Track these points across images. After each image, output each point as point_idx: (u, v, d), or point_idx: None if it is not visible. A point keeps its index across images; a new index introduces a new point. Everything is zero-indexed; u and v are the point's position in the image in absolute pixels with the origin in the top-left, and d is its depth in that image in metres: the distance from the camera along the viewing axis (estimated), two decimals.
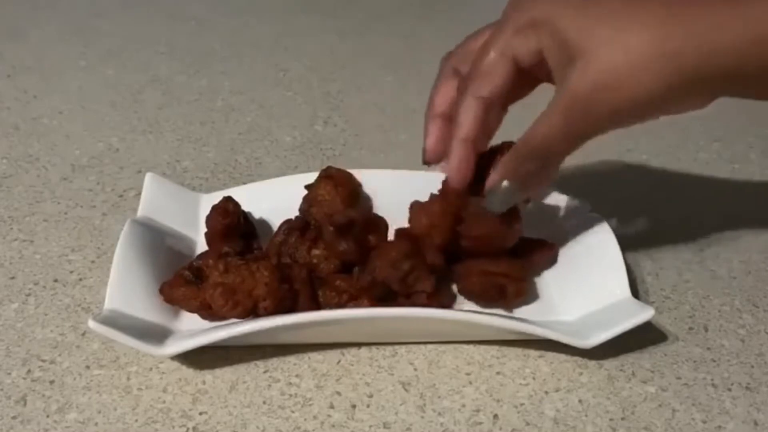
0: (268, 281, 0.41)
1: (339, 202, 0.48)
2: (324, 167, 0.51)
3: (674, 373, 0.42)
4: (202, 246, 0.48)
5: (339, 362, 0.42)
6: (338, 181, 0.49)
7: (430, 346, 0.43)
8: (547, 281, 0.47)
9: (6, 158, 0.61)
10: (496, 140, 0.44)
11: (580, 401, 0.40)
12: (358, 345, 0.43)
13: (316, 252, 0.45)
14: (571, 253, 0.47)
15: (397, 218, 0.48)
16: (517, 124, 0.42)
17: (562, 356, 0.42)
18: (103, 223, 0.53)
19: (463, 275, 0.45)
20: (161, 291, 0.42)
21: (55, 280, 0.47)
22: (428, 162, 0.44)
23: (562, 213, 0.50)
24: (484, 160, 0.43)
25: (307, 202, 0.49)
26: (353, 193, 0.50)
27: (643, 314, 0.40)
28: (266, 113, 0.71)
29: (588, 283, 0.44)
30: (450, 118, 0.42)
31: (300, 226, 0.47)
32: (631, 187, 0.61)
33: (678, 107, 0.38)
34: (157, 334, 0.40)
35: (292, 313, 0.40)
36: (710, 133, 0.70)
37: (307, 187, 0.49)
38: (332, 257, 0.45)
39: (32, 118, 0.68)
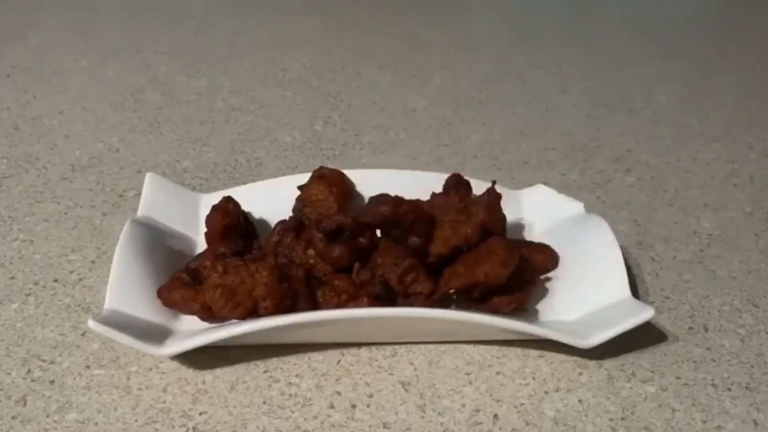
0: (267, 281, 0.41)
1: (332, 201, 0.48)
2: None
3: (674, 373, 0.42)
4: (202, 246, 0.48)
5: (339, 362, 0.42)
6: (331, 180, 0.49)
7: (430, 346, 0.43)
8: (547, 281, 0.47)
9: (6, 158, 0.61)
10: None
11: (580, 401, 0.40)
12: (358, 345, 0.43)
13: (312, 252, 0.45)
14: (571, 253, 0.47)
15: None
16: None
17: (562, 356, 0.42)
18: (103, 223, 0.53)
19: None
20: (159, 294, 0.42)
21: (55, 280, 0.47)
22: None
23: (562, 213, 0.50)
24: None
25: (301, 203, 0.49)
26: (346, 192, 0.50)
27: (643, 314, 0.40)
28: (266, 113, 0.71)
29: (588, 283, 0.44)
30: None
31: (294, 227, 0.47)
32: (631, 187, 0.61)
33: None
34: (157, 334, 0.40)
35: (292, 313, 0.40)
36: (710, 133, 0.70)
37: (300, 187, 0.49)
38: (326, 262, 0.45)
39: (32, 118, 0.68)
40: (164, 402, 0.39)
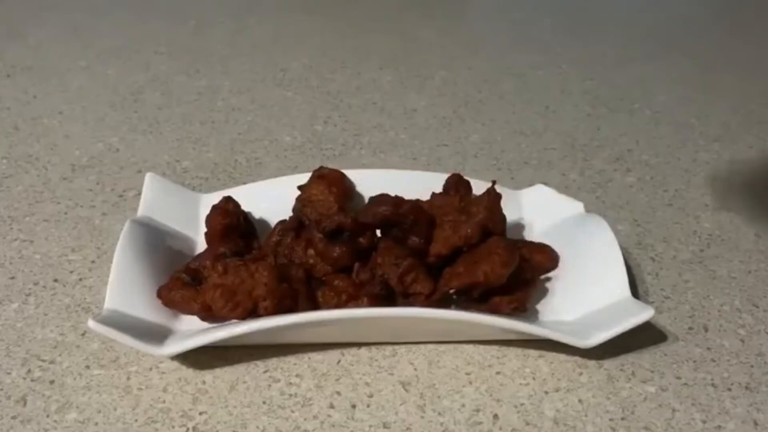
0: (267, 281, 0.41)
1: (332, 201, 0.48)
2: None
3: (674, 373, 0.42)
4: (201, 246, 0.48)
5: (339, 362, 0.42)
6: (331, 180, 0.49)
7: (430, 346, 0.43)
8: (547, 281, 0.47)
9: (6, 158, 0.61)
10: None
11: (580, 401, 0.40)
12: (358, 345, 0.43)
13: (312, 252, 0.45)
14: (571, 253, 0.47)
15: None
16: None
17: (562, 356, 0.42)
18: (103, 223, 0.53)
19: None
20: (159, 295, 0.42)
21: (55, 280, 0.47)
22: None
23: (562, 213, 0.50)
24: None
25: (301, 203, 0.49)
26: (346, 192, 0.50)
27: (643, 314, 0.40)
28: (266, 113, 0.71)
29: (588, 283, 0.44)
30: None
31: (294, 227, 0.47)
32: (631, 187, 0.61)
33: None
34: (157, 334, 0.40)
35: (292, 313, 0.40)
36: (710, 133, 0.70)
37: (300, 187, 0.49)
38: (326, 262, 0.45)
39: (32, 118, 0.68)
40: (164, 402, 0.39)
